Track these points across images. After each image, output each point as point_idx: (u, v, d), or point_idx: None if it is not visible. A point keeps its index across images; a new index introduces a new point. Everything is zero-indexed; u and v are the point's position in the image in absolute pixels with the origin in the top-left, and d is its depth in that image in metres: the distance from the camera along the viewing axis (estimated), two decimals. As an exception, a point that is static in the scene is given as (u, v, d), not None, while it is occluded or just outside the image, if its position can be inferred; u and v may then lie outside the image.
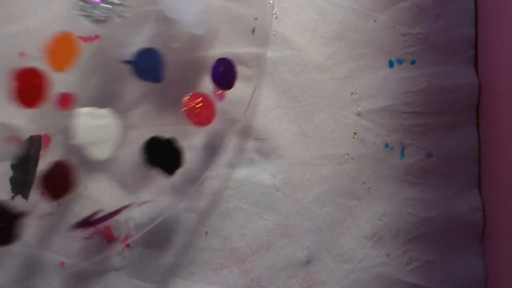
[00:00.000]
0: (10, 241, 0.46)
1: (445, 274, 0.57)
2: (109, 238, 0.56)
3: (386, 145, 0.58)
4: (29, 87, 0.46)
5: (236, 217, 0.57)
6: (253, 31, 0.57)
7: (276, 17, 0.58)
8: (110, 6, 0.47)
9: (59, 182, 0.48)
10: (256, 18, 0.57)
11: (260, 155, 0.57)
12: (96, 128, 0.48)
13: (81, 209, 0.53)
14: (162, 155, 0.49)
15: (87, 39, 0.57)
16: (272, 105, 0.58)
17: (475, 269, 0.57)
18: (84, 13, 0.46)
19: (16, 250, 0.56)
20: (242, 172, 0.57)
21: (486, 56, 0.57)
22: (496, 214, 0.55)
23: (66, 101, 0.49)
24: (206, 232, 0.57)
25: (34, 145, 0.57)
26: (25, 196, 0.56)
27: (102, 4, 0.47)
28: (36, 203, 0.51)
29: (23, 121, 0.56)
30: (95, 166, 0.55)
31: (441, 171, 0.58)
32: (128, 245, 0.56)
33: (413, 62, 0.58)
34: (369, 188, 0.57)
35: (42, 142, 0.56)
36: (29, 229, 0.56)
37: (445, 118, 0.58)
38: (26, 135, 0.56)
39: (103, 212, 0.53)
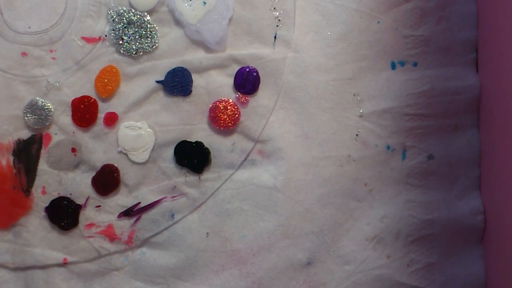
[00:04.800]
0: (74, 226, 0.57)
1: (446, 277, 0.57)
2: (111, 237, 0.57)
3: (388, 147, 0.58)
4: (85, 112, 0.57)
5: (237, 218, 0.57)
6: (275, 37, 0.58)
7: (279, 19, 0.58)
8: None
9: (108, 181, 0.57)
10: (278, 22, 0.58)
11: (261, 156, 0.57)
12: (134, 138, 0.56)
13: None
14: (192, 156, 0.56)
15: (90, 40, 0.57)
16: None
17: (476, 271, 0.57)
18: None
19: (18, 248, 0.56)
20: (243, 173, 0.57)
21: (488, 59, 0.57)
22: (497, 216, 0.55)
23: (111, 120, 0.57)
24: (207, 233, 0.57)
25: (35, 144, 0.57)
26: (27, 193, 0.56)
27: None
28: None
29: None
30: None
31: (442, 173, 0.58)
32: (130, 245, 0.57)
33: (415, 64, 0.58)
34: (370, 190, 0.57)
35: (42, 141, 0.57)
36: (31, 228, 0.57)
37: (447, 120, 0.58)
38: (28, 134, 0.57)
39: (141, 205, 0.57)
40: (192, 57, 0.57)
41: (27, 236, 0.56)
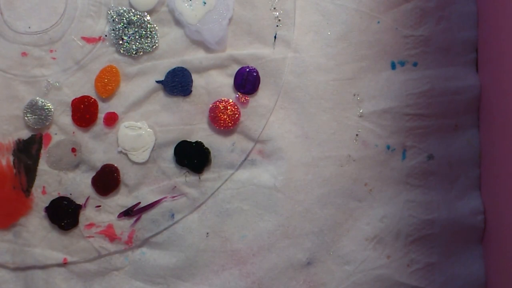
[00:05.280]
0: (74, 226, 0.57)
1: (446, 277, 0.57)
2: (111, 237, 0.57)
3: (388, 147, 0.58)
4: (85, 112, 0.57)
5: (237, 218, 0.57)
6: (275, 37, 0.58)
7: (279, 19, 0.58)
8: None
9: (108, 181, 0.57)
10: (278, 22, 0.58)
11: (261, 156, 0.57)
12: (134, 138, 0.56)
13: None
14: (192, 156, 0.56)
15: (90, 40, 0.57)
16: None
17: (476, 271, 0.57)
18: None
19: (18, 248, 0.56)
20: (243, 173, 0.57)
21: (488, 59, 0.57)
22: (497, 216, 0.55)
23: (111, 120, 0.57)
24: (207, 233, 0.57)
25: (35, 144, 0.57)
26: (27, 193, 0.56)
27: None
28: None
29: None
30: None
31: (442, 173, 0.58)
32: (130, 245, 0.57)
33: (415, 64, 0.58)
34: (370, 190, 0.57)
35: (42, 141, 0.57)
36: (31, 228, 0.57)
37: (447, 120, 0.58)
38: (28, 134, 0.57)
39: (141, 205, 0.57)
40: (192, 57, 0.57)
41: (27, 236, 0.56)
